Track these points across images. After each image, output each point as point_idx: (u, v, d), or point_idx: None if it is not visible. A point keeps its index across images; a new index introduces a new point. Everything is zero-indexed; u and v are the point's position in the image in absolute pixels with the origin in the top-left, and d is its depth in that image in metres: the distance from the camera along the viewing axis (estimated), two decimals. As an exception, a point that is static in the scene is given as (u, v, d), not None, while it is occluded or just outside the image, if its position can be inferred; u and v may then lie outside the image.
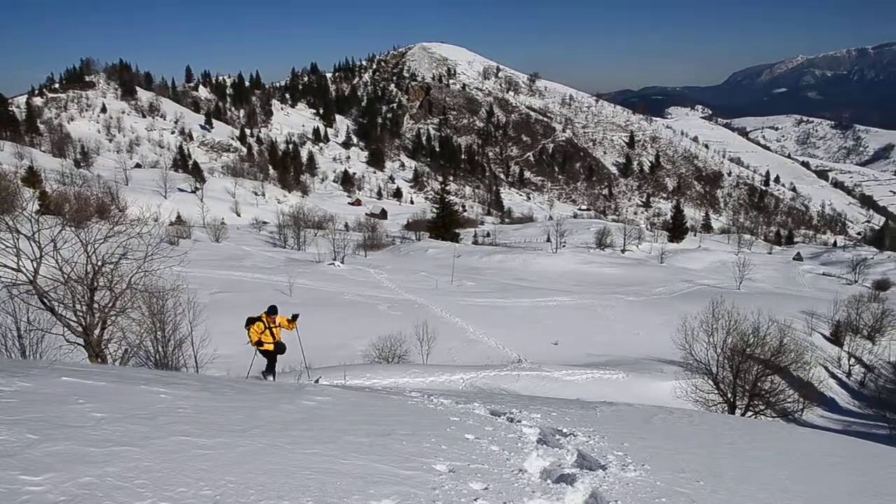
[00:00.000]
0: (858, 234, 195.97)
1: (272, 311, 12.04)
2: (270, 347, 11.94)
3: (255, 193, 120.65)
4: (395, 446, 4.77)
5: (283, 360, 12.86)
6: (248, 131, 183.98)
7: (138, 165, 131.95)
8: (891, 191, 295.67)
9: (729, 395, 20.08)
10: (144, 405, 5.06)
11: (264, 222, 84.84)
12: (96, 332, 12.43)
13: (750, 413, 20.04)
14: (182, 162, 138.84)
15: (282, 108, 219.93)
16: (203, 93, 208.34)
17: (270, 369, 12.24)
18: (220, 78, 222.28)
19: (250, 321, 11.94)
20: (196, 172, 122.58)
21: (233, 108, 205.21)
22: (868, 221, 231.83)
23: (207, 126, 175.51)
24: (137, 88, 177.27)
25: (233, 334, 22.79)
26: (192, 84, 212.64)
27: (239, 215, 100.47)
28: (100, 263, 12.11)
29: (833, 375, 33.95)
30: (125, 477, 3.35)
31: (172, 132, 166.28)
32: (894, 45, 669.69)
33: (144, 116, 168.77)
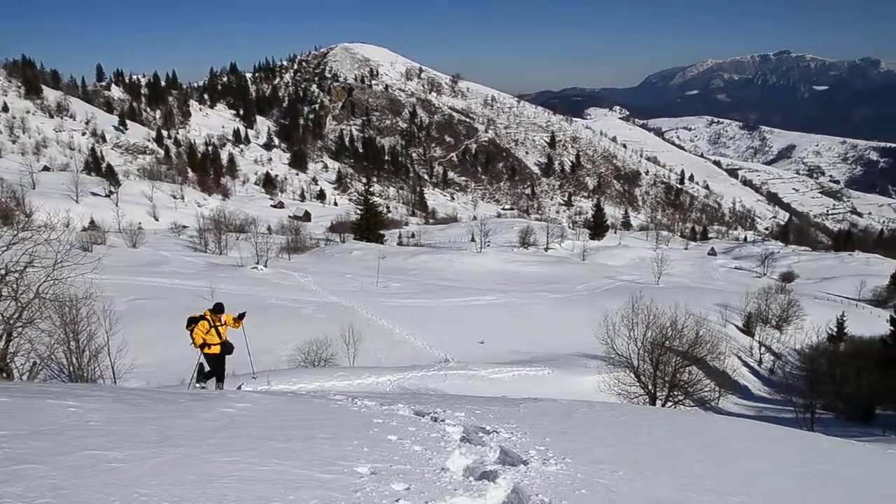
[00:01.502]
0: (766, 229, 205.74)
1: (218, 308, 11.34)
2: (217, 349, 11.24)
3: (174, 197, 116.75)
4: (316, 450, 4.71)
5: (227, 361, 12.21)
6: (165, 133, 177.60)
7: (46, 168, 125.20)
8: (793, 188, 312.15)
9: (650, 387, 20.70)
10: (51, 420, 4.83)
11: (184, 226, 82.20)
12: (0, 345, 11.78)
13: (670, 403, 20.70)
14: (95, 165, 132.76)
15: (200, 109, 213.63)
16: (116, 92, 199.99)
17: (219, 377, 11.53)
18: (135, 77, 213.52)
19: (192, 321, 11.18)
20: (110, 175, 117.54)
21: (148, 109, 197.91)
22: (774, 217, 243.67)
23: (121, 127, 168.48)
24: (43, 87, 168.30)
25: (153, 342, 22.18)
26: (103, 83, 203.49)
27: (157, 220, 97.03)
28: (3, 272, 11.49)
29: (746, 364, 35.55)
30: (26, 497, 3.18)
31: (83, 133, 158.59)
32: (792, 53, 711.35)
33: (52, 117, 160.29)
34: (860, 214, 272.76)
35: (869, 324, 43.77)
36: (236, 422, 5.53)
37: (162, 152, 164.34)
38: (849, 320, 42.26)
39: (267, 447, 4.65)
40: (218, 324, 11.18)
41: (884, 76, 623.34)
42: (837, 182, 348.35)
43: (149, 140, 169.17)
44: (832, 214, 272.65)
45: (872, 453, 10.11)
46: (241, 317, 11.82)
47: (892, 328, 33.43)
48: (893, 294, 60.60)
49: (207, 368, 11.53)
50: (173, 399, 6.81)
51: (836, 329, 41.27)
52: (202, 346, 11.15)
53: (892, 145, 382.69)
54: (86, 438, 4.35)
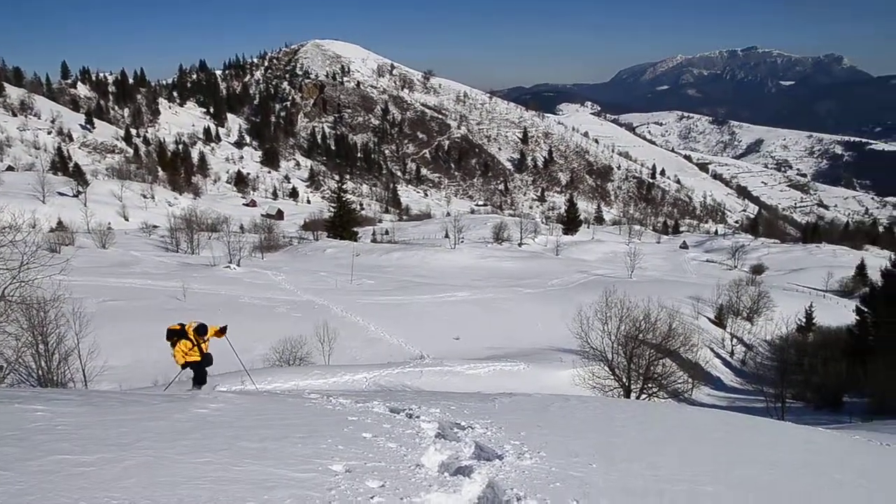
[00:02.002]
0: (736, 222, 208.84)
1: (201, 331, 10.74)
2: (197, 358, 10.75)
3: (144, 196, 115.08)
4: (291, 449, 4.67)
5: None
6: (133, 131, 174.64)
7: (10, 168, 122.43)
8: (762, 182, 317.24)
9: (624, 380, 20.90)
10: (18, 425, 4.73)
11: (154, 226, 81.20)
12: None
13: (644, 396, 20.92)
14: (62, 164, 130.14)
15: (170, 107, 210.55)
16: (82, 90, 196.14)
17: (199, 381, 11.01)
18: (101, 75, 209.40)
19: (174, 335, 10.52)
20: (78, 175, 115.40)
21: (116, 107, 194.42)
22: (744, 210, 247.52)
23: (89, 126, 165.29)
24: (5, 84, 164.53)
25: (125, 344, 21.88)
26: (69, 81, 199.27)
27: (127, 219, 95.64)
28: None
29: (718, 356, 36.03)
30: (-7, 503, 3.12)
31: (49, 132, 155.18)
32: (759, 49, 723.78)
33: (15, 115, 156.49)
34: (826, 207, 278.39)
35: (836, 314, 44.63)
36: (210, 422, 5.47)
37: (131, 151, 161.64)
38: (817, 311, 43.05)
39: (241, 447, 4.61)
40: (200, 342, 10.73)
41: (846, 72, 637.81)
42: (805, 175, 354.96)
43: (117, 139, 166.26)
44: (800, 207, 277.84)
45: (839, 440, 10.32)
46: (223, 330, 11.37)
47: (857, 318, 34.16)
48: (859, 285, 61.78)
49: (194, 375, 11.05)
50: (145, 401, 6.72)
51: (804, 320, 42.02)
52: (184, 365, 10.73)
53: (856, 139, 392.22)
54: (54, 443, 4.27)
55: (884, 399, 24.96)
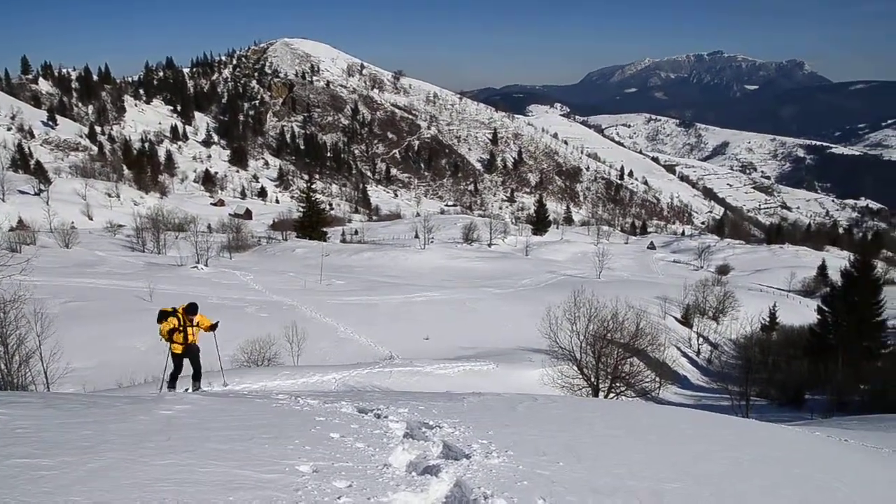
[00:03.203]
0: (702, 223, 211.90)
1: (192, 309, 10.64)
2: (179, 349, 10.63)
3: (109, 195, 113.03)
4: (257, 450, 4.63)
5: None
6: (98, 129, 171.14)
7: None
8: (728, 184, 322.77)
9: (592, 379, 21.05)
10: (-24, 428, 4.62)
11: (120, 225, 79.74)
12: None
13: (612, 395, 21.10)
14: (22, 162, 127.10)
15: (136, 105, 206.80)
16: (44, 86, 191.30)
17: (196, 377, 11.02)
18: (65, 71, 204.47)
19: (163, 315, 10.51)
20: (40, 173, 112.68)
21: (80, 104, 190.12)
22: (710, 212, 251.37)
23: (51, 123, 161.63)
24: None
25: (89, 345, 21.48)
26: (30, 76, 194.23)
27: (91, 219, 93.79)
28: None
29: (685, 355, 36.52)
30: (-51, 508, 3.05)
31: (9, 129, 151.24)
32: (724, 53, 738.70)
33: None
34: (789, 209, 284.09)
35: (799, 313, 45.56)
36: (174, 424, 5.40)
37: (95, 149, 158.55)
38: (780, 310, 43.92)
39: (206, 449, 4.55)
40: (188, 324, 10.62)
41: (807, 77, 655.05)
42: (768, 178, 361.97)
43: (81, 136, 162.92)
44: (764, 209, 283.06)
45: (801, 436, 10.54)
46: (214, 326, 11.31)
47: (819, 318, 34.91)
48: (820, 285, 63.17)
49: (171, 369, 10.95)
50: (108, 403, 6.60)
51: (768, 319, 42.85)
52: (168, 340, 10.62)
53: (817, 143, 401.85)
54: (13, 447, 4.18)
55: (843, 396, 25.60)
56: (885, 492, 7.80)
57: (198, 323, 10.83)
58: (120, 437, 4.71)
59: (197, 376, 11.12)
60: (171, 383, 10.96)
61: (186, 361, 10.94)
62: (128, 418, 5.49)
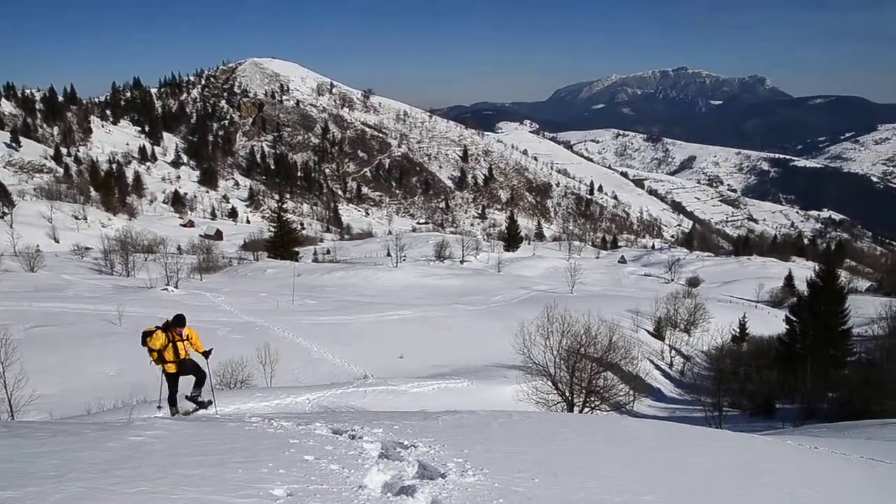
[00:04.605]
0: (672, 236, 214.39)
1: (178, 321, 9.73)
2: (173, 368, 9.79)
3: (76, 217, 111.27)
4: (230, 475, 4.56)
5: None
6: (64, 150, 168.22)
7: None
8: (696, 197, 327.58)
9: (567, 394, 21.11)
10: (-63, 460, 4.50)
11: (87, 248, 78.41)
12: None
13: (587, 409, 21.17)
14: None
15: (102, 126, 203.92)
16: (7, 107, 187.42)
17: (198, 384, 10.17)
18: (28, 91, 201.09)
19: (148, 334, 9.65)
20: (3, 196, 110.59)
21: (45, 125, 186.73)
22: (679, 225, 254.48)
23: (14, 144, 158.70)
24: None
25: (55, 371, 21.04)
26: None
27: (57, 241, 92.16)
28: None
29: (658, 367, 36.81)
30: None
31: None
32: (689, 69, 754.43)
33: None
34: (756, 221, 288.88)
35: (768, 324, 46.17)
36: (144, 451, 5.30)
37: (61, 171, 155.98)
38: (750, 321, 44.46)
39: (177, 475, 4.48)
40: (177, 339, 9.77)
41: (769, 92, 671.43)
42: (735, 191, 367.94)
43: (46, 158, 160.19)
44: (731, 221, 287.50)
45: (772, 445, 10.67)
46: (208, 353, 10.42)
47: (787, 327, 35.43)
48: (787, 295, 64.19)
49: (168, 392, 10.17)
50: (76, 430, 6.46)
51: (738, 330, 43.35)
52: (160, 361, 9.80)
53: (780, 156, 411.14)
54: (-23, 477, 4.07)
55: (812, 404, 25.99)
56: (854, 498, 7.92)
57: (188, 336, 9.98)
58: (88, 466, 4.61)
59: (199, 383, 10.29)
60: (172, 405, 10.24)
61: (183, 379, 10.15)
62: (96, 446, 5.38)
